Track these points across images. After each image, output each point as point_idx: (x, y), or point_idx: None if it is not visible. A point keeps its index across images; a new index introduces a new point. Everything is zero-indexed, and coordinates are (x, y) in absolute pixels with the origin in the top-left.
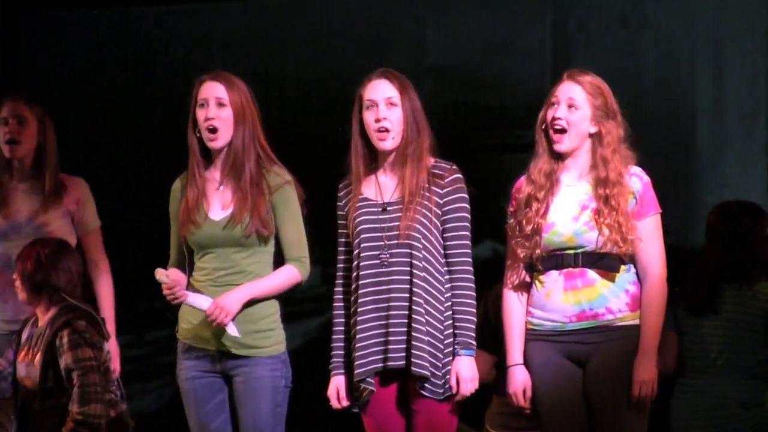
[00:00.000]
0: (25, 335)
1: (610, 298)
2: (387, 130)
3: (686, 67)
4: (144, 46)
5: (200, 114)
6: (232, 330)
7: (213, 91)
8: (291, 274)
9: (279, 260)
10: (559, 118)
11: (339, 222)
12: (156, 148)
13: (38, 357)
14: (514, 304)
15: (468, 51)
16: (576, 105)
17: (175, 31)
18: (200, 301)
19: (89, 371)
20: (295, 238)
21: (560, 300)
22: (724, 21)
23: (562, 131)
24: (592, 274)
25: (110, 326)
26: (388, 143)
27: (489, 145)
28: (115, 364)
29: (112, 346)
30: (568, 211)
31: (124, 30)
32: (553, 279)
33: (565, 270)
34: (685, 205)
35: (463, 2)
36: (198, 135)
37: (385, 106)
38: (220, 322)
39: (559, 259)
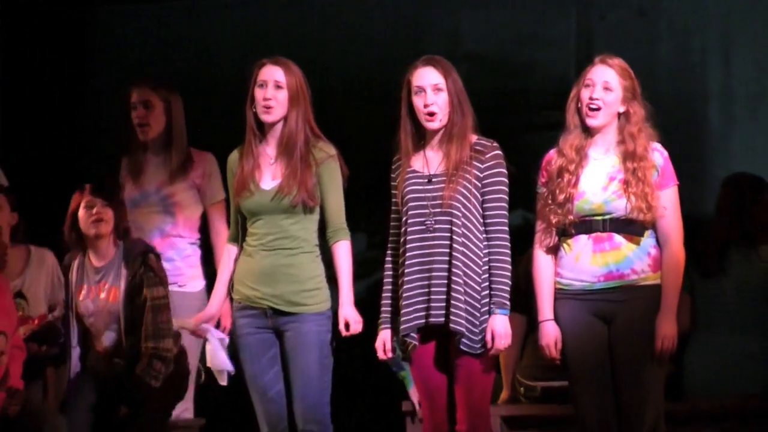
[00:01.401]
0: (74, 276)
1: (635, 260)
2: (434, 114)
3: (698, 55)
4: (202, 37)
5: (259, 93)
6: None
7: (272, 74)
8: (348, 249)
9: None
10: (596, 99)
11: (392, 192)
12: (219, 136)
13: (113, 293)
14: (544, 265)
15: (499, 40)
16: (610, 87)
17: (232, 23)
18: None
19: (164, 309)
20: (338, 207)
21: (589, 262)
22: (732, 12)
23: (597, 109)
24: (618, 238)
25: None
26: (435, 124)
27: (518, 125)
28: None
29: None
30: (597, 182)
31: (186, 22)
32: (583, 243)
33: (593, 234)
34: (696, 179)
35: None
36: (254, 111)
37: (432, 91)
38: (354, 331)
39: (588, 224)
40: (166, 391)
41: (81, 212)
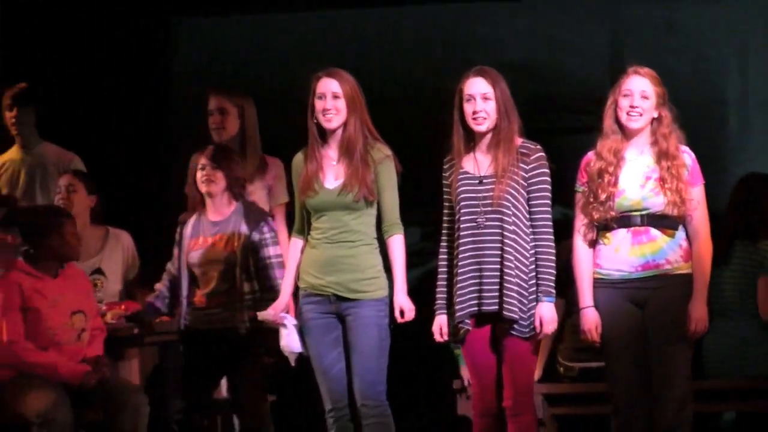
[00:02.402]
0: (189, 229)
1: (669, 251)
2: (483, 119)
3: (717, 64)
4: (275, 48)
5: (318, 104)
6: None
7: (329, 86)
8: (402, 242)
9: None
10: (636, 107)
11: (444, 189)
12: (289, 141)
13: (229, 245)
14: (585, 257)
15: (537, 50)
16: (647, 95)
17: (299, 35)
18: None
19: (282, 266)
20: (393, 203)
21: (628, 253)
22: (749, 26)
23: (639, 116)
24: (654, 231)
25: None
26: (483, 128)
27: (554, 128)
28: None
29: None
30: (635, 181)
31: (259, 35)
32: (621, 236)
33: (632, 228)
34: (716, 178)
35: (533, 10)
36: (315, 121)
37: (481, 99)
38: (408, 318)
39: (627, 219)
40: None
41: (198, 172)
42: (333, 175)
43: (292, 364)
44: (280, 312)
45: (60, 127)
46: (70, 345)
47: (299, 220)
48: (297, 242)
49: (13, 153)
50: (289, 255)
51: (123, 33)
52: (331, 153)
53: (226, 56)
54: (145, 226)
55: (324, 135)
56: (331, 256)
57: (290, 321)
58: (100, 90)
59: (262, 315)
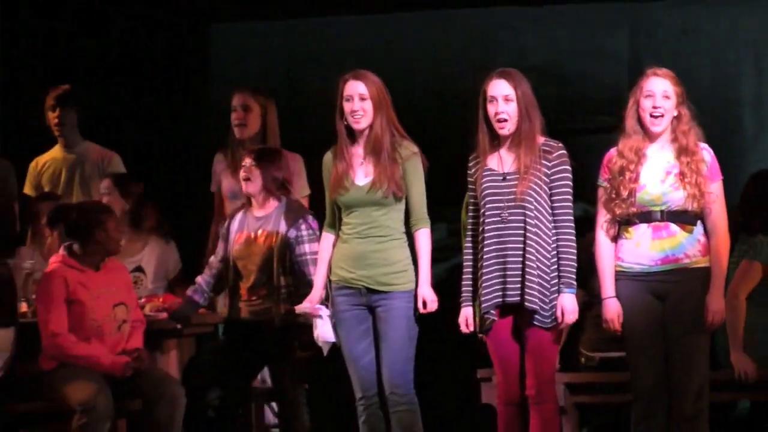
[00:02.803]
0: (236, 224)
1: (687, 246)
2: (504, 120)
3: (733, 68)
4: (308, 51)
5: (347, 106)
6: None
7: (356, 88)
8: (428, 236)
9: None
10: (659, 107)
11: (469, 186)
12: (313, 139)
13: (270, 239)
14: (607, 251)
15: (560, 55)
16: (668, 95)
17: (331, 39)
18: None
19: (315, 263)
20: (420, 198)
21: (648, 248)
22: (762, 30)
23: (661, 116)
24: (674, 227)
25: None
26: (505, 130)
27: (576, 129)
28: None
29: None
30: (655, 177)
31: (292, 37)
32: (642, 231)
33: (652, 224)
34: (731, 176)
35: (555, 17)
36: (345, 123)
37: (503, 101)
38: (430, 309)
39: (647, 215)
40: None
41: (240, 171)
42: (363, 173)
43: (325, 353)
44: (316, 304)
45: (102, 128)
46: (111, 336)
47: (330, 216)
48: (328, 237)
49: (56, 152)
50: (321, 249)
51: (163, 38)
52: (359, 152)
53: (262, 60)
54: (184, 225)
55: (353, 135)
56: (361, 250)
57: (325, 312)
58: (142, 93)
59: (299, 308)
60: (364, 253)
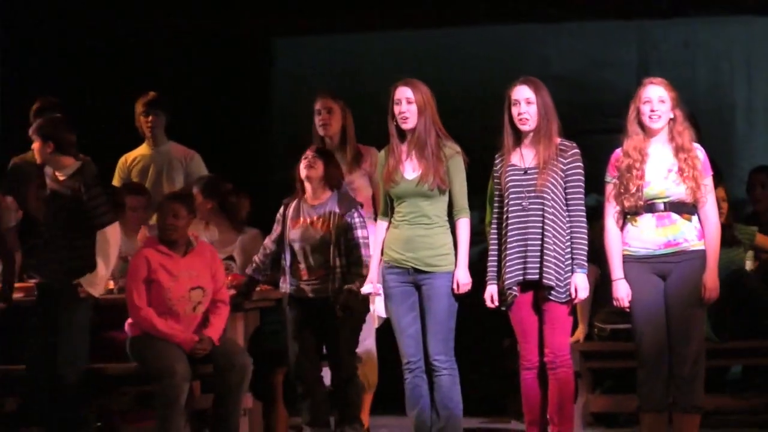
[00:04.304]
0: (291, 211)
1: (686, 232)
2: (526, 120)
3: (727, 76)
4: (363, 62)
5: (396, 109)
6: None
7: (403, 93)
8: (467, 225)
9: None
10: (656, 110)
11: (495, 180)
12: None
13: (325, 225)
14: (616, 238)
15: (577, 65)
16: (663, 99)
17: (385, 51)
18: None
19: (367, 246)
20: (462, 191)
21: (653, 234)
22: (753, 43)
23: (659, 117)
24: (675, 216)
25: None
26: (526, 128)
27: (591, 129)
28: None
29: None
30: (659, 173)
31: (348, 51)
32: (647, 220)
33: (656, 213)
34: (726, 171)
35: (574, 32)
36: (395, 123)
37: (525, 103)
38: (464, 291)
39: (652, 206)
40: (356, 318)
41: (302, 161)
42: (411, 168)
43: (376, 325)
44: (376, 284)
45: (184, 129)
46: (186, 315)
47: (383, 205)
48: (382, 224)
49: (144, 149)
50: (376, 235)
51: (233, 52)
52: (408, 149)
53: (321, 70)
54: (251, 218)
55: (402, 134)
56: (410, 235)
57: (380, 290)
58: (216, 100)
59: (364, 289)
60: (412, 238)
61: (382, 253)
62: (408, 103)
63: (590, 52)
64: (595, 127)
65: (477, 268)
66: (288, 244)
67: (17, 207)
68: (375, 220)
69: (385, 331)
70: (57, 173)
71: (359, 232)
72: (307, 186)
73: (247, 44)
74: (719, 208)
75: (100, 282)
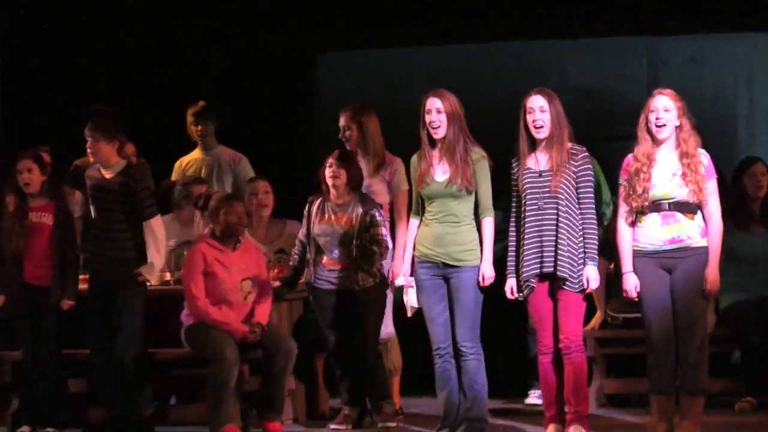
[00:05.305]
0: (315, 209)
1: (690, 230)
2: (541, 126)
3: (730, 88)
4: (402, 76)
5: (427, 118)
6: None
7: (434, 103)
8: (491, 224)
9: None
10: (661, 119)
11: (512, 183)
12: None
13: (348, 222)
14: (626, 235)
15: (593, 77)
16: (669, 109)
17: (422, 65)
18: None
19: (385, 243)
20: (487, 192)
21: (659, 232)
22: (754, 58)
23: (664, 125)
24: (679, 215)
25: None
26: (540, 135)
27: (605, 136)
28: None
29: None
30: (664, 176)
31: (387, 65)
32: (653, 219)
33: (662, 213)
34: (728, 175)
35: (590, 47)
36: (426, 131)
37: (539, 111)
38: (487, 284)
39: (658, 206)
40: (379, 306)
41: (326, 169)
42: (441, 171)
43: (409, 314)
44: (408, 277)
45: (232, 135)
46: (238, 304)
47: (415, 205)
48: (414, 222)
49: (196, 153)
50: (408, 231)
51: (280, 67)
52: (439, 154)
53: (361, 83)
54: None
55: (432, 141)
56: (439, 232)
57: (412, 282)
58: (263, 111)
59: (397, 281)
60: (441, 235)
61: (414, 248)
62: (438, 113)
63: (605, 66)
64: (610, 135)
65: (501, 262)
66: (313, 238)
67: (83, 201)
68: (389, 223)
69: (417, 320)
70: (106, 171)
71: (379, 230)
72: (332, 190)
73: (292, 58)
74: (759, 182)
75: (156, 270)
